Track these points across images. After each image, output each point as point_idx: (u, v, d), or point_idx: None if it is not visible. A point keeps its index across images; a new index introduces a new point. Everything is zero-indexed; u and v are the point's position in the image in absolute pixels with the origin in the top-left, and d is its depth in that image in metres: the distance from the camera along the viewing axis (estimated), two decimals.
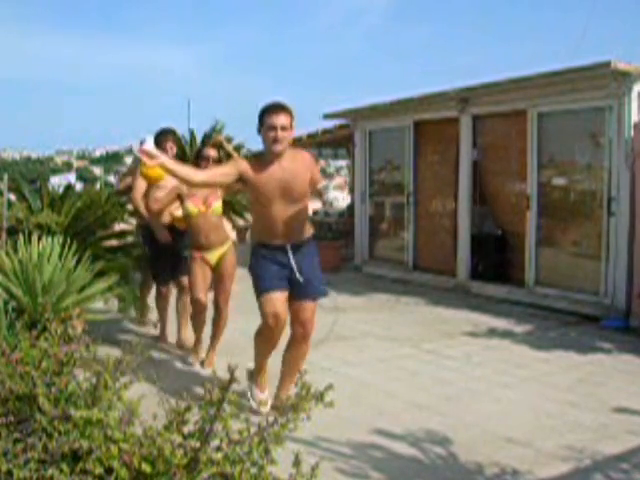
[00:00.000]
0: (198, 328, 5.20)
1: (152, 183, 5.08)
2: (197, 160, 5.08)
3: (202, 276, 5.01)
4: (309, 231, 4.10)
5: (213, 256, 5.04)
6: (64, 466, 1.62)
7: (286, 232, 3.94)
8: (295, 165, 3.91)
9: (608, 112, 6.81)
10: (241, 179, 3.88)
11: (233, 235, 9.01)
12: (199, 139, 9.66)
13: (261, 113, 3.86)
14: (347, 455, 3.54)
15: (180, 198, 5.09)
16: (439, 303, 7.85)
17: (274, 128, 3.78)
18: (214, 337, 5.14)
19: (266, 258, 3.97)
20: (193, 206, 4.97)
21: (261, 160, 3.91)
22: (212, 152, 5.12)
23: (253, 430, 1.72)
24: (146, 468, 1.61)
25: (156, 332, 6.01)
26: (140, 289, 6.21)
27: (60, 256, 4.55)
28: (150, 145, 5.78)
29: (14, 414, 1.82)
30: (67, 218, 5.65)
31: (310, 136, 12.97)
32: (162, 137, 5.59)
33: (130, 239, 6.31)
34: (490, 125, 8.56)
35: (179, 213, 5.23)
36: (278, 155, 3.85)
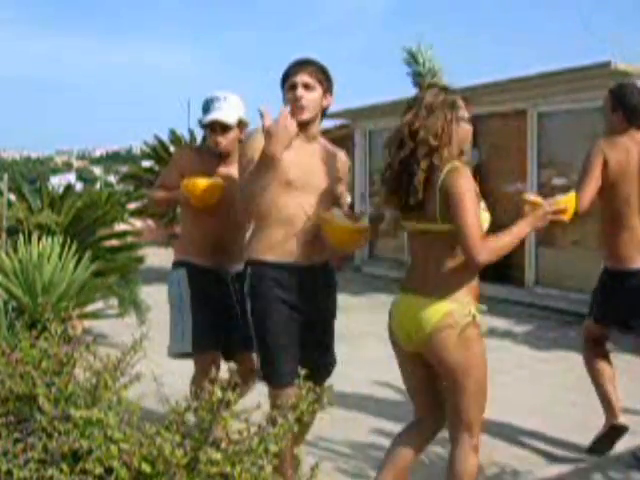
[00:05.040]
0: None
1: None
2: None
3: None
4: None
5: None
6: (64, 466, 1.62)
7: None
8: None
9: None
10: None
11: None
12: (199, 140, 9.68)
13: None
14: (347, 455, 3.55)
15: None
16: None
17: None
18: None
19: None
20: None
21: None
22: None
23: (253, 430, 1.72)
24: (146, 468, 1.61)
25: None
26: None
27: (60, 256, 4.56)
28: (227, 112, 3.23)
29: (14, 414, 1.82)
30: (67, 218, 5.66)
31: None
32: (289, 73, 2.82)
33: (130, 239, 6.31)
34: (490, 125, 8.57)
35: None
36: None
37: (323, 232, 2.69)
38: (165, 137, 9.85)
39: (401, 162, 2.43)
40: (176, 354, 3.35)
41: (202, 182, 3.12)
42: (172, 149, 9.73)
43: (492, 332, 6.42)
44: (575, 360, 5.54)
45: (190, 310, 3.25)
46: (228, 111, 3.25)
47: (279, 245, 2.73)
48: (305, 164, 2.76)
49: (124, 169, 19.17)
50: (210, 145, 3.33)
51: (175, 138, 9.77)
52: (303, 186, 2.73)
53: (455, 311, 2.37)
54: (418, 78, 2.56)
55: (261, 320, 2.74)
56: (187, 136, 9.83)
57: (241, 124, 3.31)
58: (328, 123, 12.52)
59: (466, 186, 2.36)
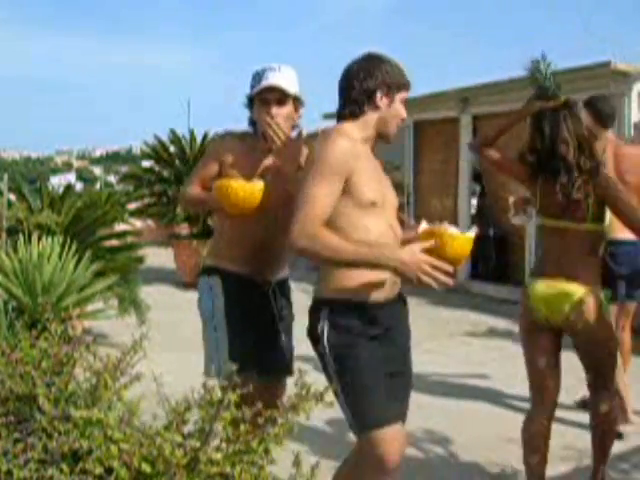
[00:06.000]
0: None
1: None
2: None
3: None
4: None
5: None
6: (64, 466, 1.62)
7: None
8: None
9: None
10: None
11: None
12: (199, 139, 9.70)
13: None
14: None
15: None
16: (439, 303, 7.85)
17: None
18: None
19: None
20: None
21: None
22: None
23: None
24: (146, 468, 1.61)
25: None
26: None
27: (60, 256, 4.56)
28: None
29: (14, 414, 1.82)
30: (67, 218, 5.66)
31: (310, 136, 13.01)
32: (408, 84, 2.43)
33: (130, 239, 6.32)
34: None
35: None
36: None
37: (440, 248, 2.20)
38: (165, 137, 9.86)
39: (568, 176, 2.81)
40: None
41: (238, 186, 2.57)
42: (172, 149, 9.75)
43: (492, 332, 6.43)
44: (575, 360, 5.52)
45: (224, 327, 2.69)
46: (284, 79, 2.69)
47: (367, 277, 2.21)
48: (379, 179, 2.36)
49: (124, 169, 19.17)
50: (260, 123, 2.71)
51: (175, 138, 9.78)
52: (383, 203, 2.31)
53: (590, 293, 2.86)
54: (558, 91, 2.87)
55: (354, 379, 2.24)
56: (187, 136, 9.85)
57: (296, 102, 2.77)
58: (328, 123, 12.55)
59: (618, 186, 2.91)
